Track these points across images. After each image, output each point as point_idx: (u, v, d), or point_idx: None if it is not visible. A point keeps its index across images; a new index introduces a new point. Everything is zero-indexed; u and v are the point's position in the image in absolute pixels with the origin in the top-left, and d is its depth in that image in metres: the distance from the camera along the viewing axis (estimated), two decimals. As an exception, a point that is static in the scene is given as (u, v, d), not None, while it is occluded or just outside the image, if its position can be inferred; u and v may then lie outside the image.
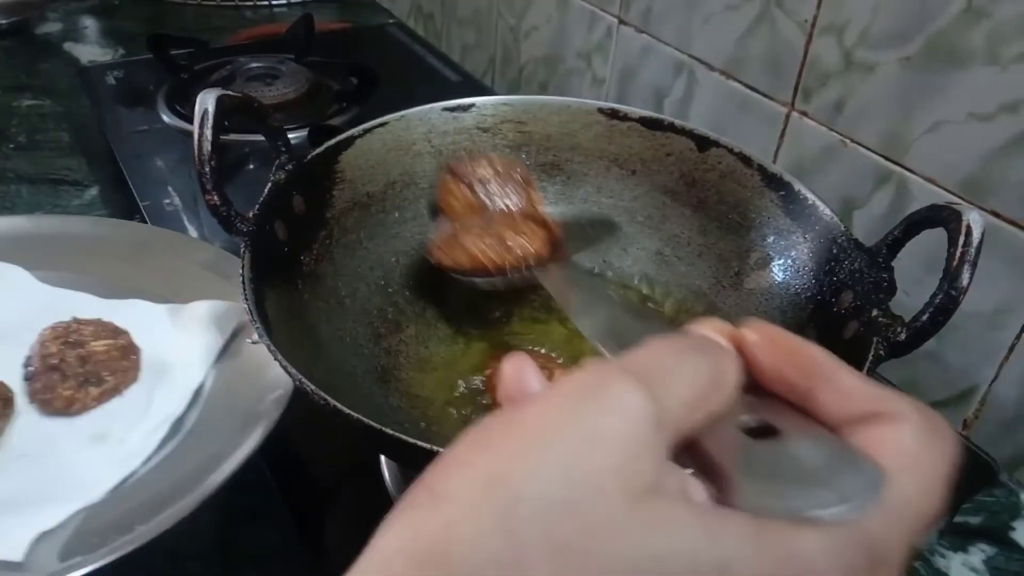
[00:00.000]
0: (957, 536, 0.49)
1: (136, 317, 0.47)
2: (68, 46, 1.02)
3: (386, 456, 0.42)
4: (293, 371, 0.31)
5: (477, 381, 0.43)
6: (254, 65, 0.77)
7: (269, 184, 0.41)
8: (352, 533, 0.43)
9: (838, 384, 0.19)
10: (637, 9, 0.73)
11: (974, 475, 0.49)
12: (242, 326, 0.47)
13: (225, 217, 0.37)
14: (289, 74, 0.77)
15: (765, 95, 0.63)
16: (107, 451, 0.41)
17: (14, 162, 0.78)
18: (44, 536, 0.36)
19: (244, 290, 0.35)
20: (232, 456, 0.39)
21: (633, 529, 0.15)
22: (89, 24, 1.09)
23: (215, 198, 0.37)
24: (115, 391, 0.44)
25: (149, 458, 0.41)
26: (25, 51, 1.00)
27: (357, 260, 0.45)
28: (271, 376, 0.42)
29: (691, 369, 0.18)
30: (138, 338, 0.46)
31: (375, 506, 0.43)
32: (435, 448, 0.28)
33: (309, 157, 0.44)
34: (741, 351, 0.20)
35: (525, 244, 0.40)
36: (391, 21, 1.05)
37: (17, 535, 0.35)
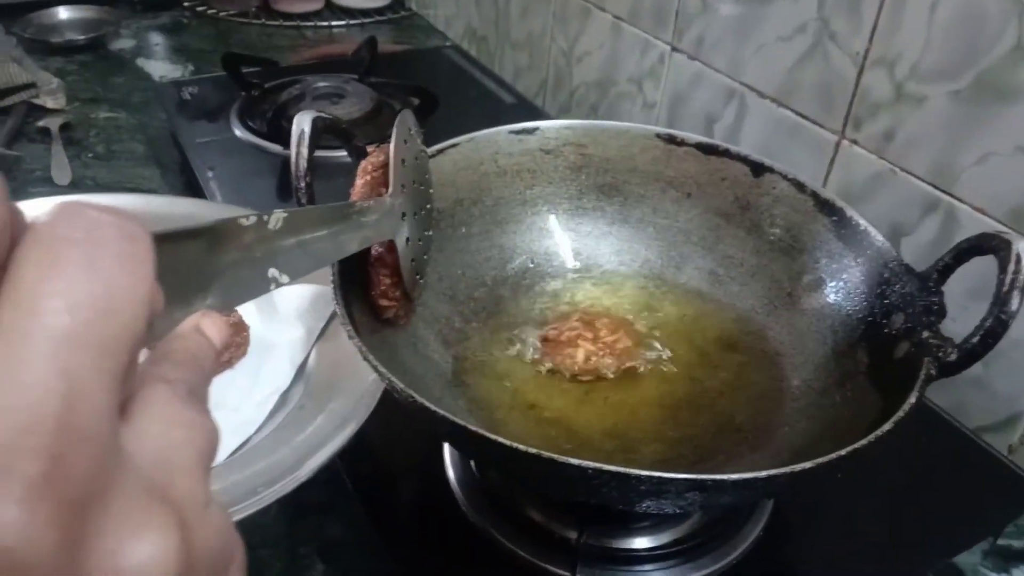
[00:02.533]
0: (1000, 558, 0.50)
1: None
2: (140, 62, 1.07)
3: (459, 448, 0.44)
4: (383, 370, 0.33)
5: (533, 388, 0.46)
6: (321, 84, 0.81)
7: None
8: (415, 527, 0.46)
9: None
10: (690, 38, 0.75)
11: (1018, 498, 0.50)
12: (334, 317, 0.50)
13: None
14: (354, 93, 0.81)
15: (815, 123, 0.65)
16: (224, 418, 0.44)
17: (93, 171, 0.83)
18: None
19: (335, 295, 0.38)
20: (340, 433, 0.41)
21: None
22: (159, 41, 1.14)
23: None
24: (228, 364, 0.48)
25: (261, 427, 0.44)
26: (101, 65, 1.05)
27: (427, 271, 0.48)
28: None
29: None
30: (245, 317, 0.50)
31: (438, 502, 0.46)
32: (511, 443, 0.31)
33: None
34: None
35: None
36: (447, 44, 1.09)
37: None
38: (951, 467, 0.50)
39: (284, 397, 0.46)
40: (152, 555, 0.14)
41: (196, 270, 0.22)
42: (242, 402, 0.46)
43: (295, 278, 0.27)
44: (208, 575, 0.16)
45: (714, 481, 0.30)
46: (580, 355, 0.47)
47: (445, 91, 0.85)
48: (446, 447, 0.48)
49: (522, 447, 0.31)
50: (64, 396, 0.13)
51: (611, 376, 0.46)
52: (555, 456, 0.30)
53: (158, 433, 0.16)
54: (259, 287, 0.26)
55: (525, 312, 0.50)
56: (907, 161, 0.58)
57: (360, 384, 0.44)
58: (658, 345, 0.49)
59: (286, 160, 0.74)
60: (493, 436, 0.31)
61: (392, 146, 0.39)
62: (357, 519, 0.50)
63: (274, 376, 0.47)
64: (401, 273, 0.40)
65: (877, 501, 0.47)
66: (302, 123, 0.40)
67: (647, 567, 0.41)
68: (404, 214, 0.39)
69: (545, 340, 0.48)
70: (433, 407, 0.32)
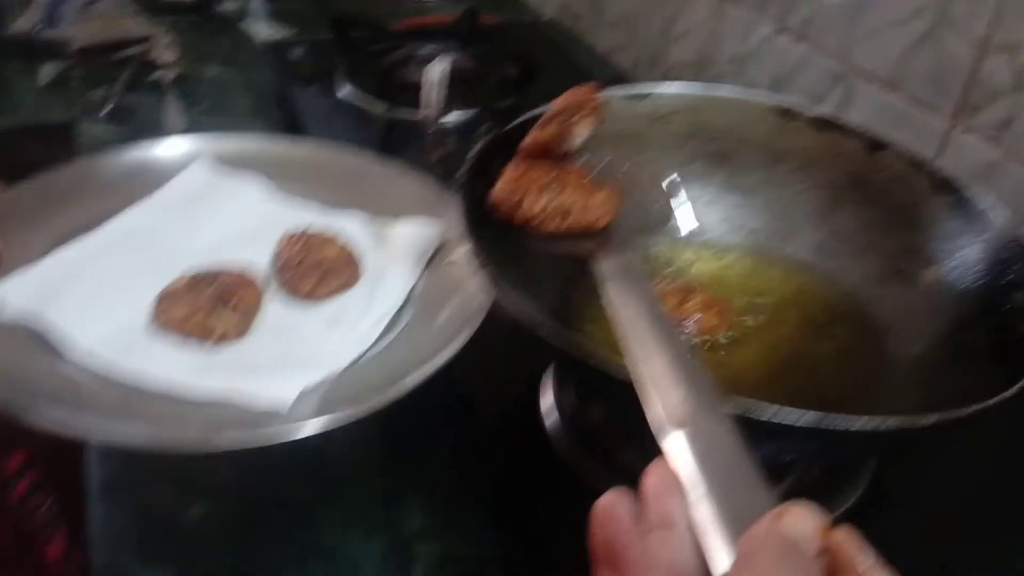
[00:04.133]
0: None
1: (355, 228, 0.55)
2: (244, 24, 1.11)
3: (577, 380, 0.46)
4: (513, 295, 0.35)
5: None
6: (424, 50, 0.83)
7: (479, 145, 0.46)
8: (508, 465, 0.48)
9: None
10: (796, 19, 0.75)
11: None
12: (443, 245, 0.54)
13: (445, 168, 0.42)
14: (456, 60, 0.82)
15: (925, 109, 0.64)
16: (342, 334, 0.48)
17: (203, 124, 0.87)
18: (304, 391, 0.43)
19: (466, 232, 0.40)
20: (445, 348, 0.45)
21: None
22: (262, 5, 1.18)
23: (439, 152, 0.42)
24: (345, 286, 0.51)
25: (375, 344, 0.48)
26: (208, 26, 1.10)
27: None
28: (473, 287, 0.48)
29: None
30: (359, 245, 0.54)
31: (532, 441, 0.47)
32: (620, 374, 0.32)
33: (507, 128, 0.48)
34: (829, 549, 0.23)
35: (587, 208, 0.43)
36: (543, 19, 1.10)
37: (285, 388, 0.42)
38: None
39: (395, 318, 0.50)
40: None
41: None
42: (358, 321, 0.49)
43: None
44: None
45: (838, 427, 0.31)
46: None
47: (541, 64, 0.86)
48: (543, 388, 0.49)
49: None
50: None
51: (721, 340, 0.47)
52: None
53: None
54: None
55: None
56: (1022, 150, 0.57)
57: (463, 308, 0.48)
58: (750, 319, 0.49)
59: (390, 121, 0.77)
60: (623, 363, 0.32)
61: None
62: (451, 456, 0.52)
63: (386, 299, 0.50)
64: None
65: (982, 487, 0.47)
66: (436, 69, 0.42)
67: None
68: None
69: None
70: (548, 321, 0.33)
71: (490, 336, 0.54)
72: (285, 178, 0.59)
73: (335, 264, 0.52)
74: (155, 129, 0.85)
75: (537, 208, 0.43)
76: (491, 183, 0.46)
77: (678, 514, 0.25)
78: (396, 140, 0.77)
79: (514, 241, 0.44)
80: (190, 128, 0.85)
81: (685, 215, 0.54)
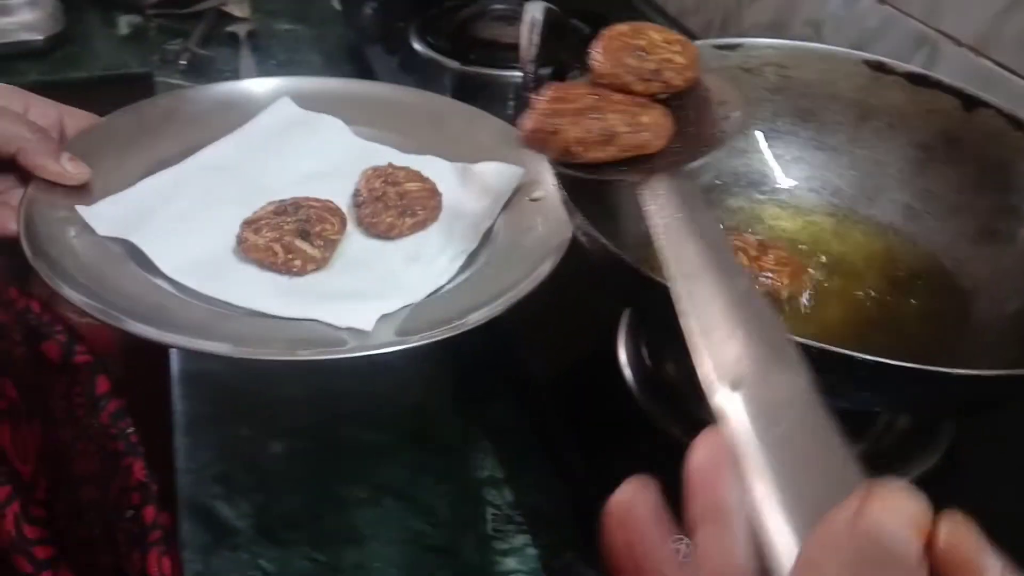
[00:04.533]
0: None
1: (433, 169, 0.55)
2: (314, -20, 1.12)
3: (645, 324, 0.45)
4: (594, 231, 0.35)
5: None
6: (498, 6, 0.83)
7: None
8: (584, 418, 0.48)
9: None
10: (882, -20, 0.73)
11: None
12: (523, 185, 0.53)
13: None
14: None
15: (1017, 74, 0.62)
16: (420, 268, 0.49)
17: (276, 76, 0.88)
18: (382, 318, 0.43)
19: (554, 174, 0.40)
20: (523, 282, 0.45)
21: None
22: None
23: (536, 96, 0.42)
24: (424, 224, 0.52)
25: (452, 279, 0.48)
26: (278, -19, 1.11)
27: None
28: (552, 225, 0.49)
29: None
30: (439, 184, 0.54)
31: (607, 392, 0.48)
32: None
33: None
34: (929, 547, 0.17)
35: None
36: (612, -20, 1.09)
37: (365, 312, 0.43)
38: None
39: (472, 257, 0.50)
40: None
41: None
42: (435, 257, 0.50)
43: None
44: None
45: (942, 374, 0.31)
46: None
47: (613, 21, 0.86)
48: (619, 338, 0.49)
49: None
50: None
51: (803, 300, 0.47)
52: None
53: None
54: None
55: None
56: None
57: (541, 245, 0.48)
58: (832, 279, 0.48)
59: (463, 75, 0.77)
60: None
61: None
62: (524, 404, 0.53)
63: (464, 238, 0.51)
64: None
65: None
66: (533, 11, 0.42)
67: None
68: None
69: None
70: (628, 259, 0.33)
71: (568, 283, 0.54)
72: (365, 121, 0.60)
73: (415, 200, 0.52)
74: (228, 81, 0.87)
75: (575, 134, 0.37)
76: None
77: (731, 503, 0.20)
78: (469, 95, 0.77)
79: (601, 186, 0.44)
80: (264, 80, 0.86)
81: (769, 171, 0.53)
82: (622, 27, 0.40)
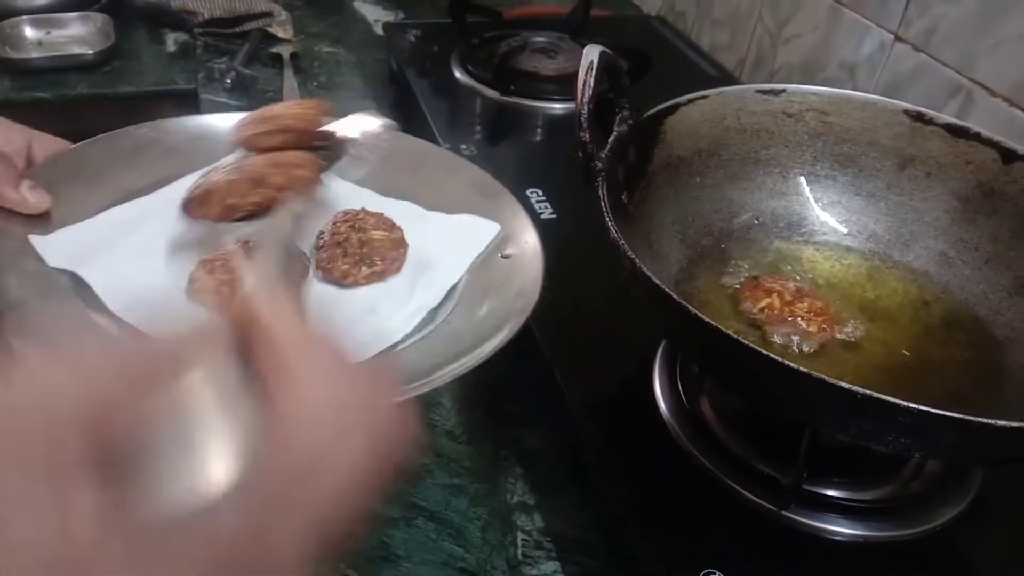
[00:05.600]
0: None
1: (407, 217, 0.53)
2: (356, 4, 1.15)
3: (694, 353, 0.45)
4: (629, 252, 0.37)
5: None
6: (538, 39, 0.85)
7: (615, 134, 0.47)
8: (623, 450, 0.49)
9: None
10: (919, 28, 0.74)
11: None
12: (497, 241, 0.52)
13: (589, 153, 0.44)
14: (568, 50, 0.84)
15: (1052, 125, 0.63)
16: (375, 323, 0.47)
17: (316, 97, 0.91)
18: None
19: (606, 212, 0.41)
20: (484, 345, 0.43)
21: None
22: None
23: (587, 136, 0.43)
24: (382, 275, 0.50)
25: (407, 337, 0.46)
26: (320, 5, 1.14)
27: (664, 212, 0.51)
28: (518, 286, 0.47)
29: None
30: (407, 235, 0.52)
31: (642, 425, 0.49)
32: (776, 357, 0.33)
33: (644, 116, 0.50)
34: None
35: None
36: (651, 15, 1.11)
37: None
38: None
39: (433, 314, 0.48)
40: None
41: None
42: (393, 312, 0.48)
43: None
44: None
45: (981, 424, 0.31)
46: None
47: (652, 57, 0.87)
48: (655, 374, 0.50)
49: (796, 366, 0.33)
50: None
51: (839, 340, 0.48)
52: (825, 377, 0.33)
53: None
54: None
55: (746, 265, 0.52)
56: None
57: (509, 304, 0.46)
58: (866, 324, 0.49)
59: (502, 105, 0.79)
60: (771, 355, 0.33)
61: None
62: (558, 432, 0.54)
63: (426, 294, 0.49)
64: None
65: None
66: (591, 55, 0.44)
67: (851, 517, 0.43)
68: None
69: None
70: (680, 300, 0.35)
71: (605, 313, 0.55)
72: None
73: (376, 250, 0.50)
74: (272, 102, 0.89)
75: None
76: (627, 167, 0.47)
77: None
78: (507, 125, 0.79)
79: (647, 228, 0.45)
80: (307, 101, 0.88)
81: (808, 213, 0.54)
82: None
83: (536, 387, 0.55)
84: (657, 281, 0.37)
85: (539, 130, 0.79)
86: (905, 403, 0.32)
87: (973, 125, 0.70)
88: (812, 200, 0.54)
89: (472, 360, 0.42)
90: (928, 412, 0.32)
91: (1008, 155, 0.50)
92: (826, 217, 0.54)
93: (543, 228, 0.51)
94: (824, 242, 0.54)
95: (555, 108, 0.79)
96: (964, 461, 0.44)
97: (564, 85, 0.81)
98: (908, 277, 0.52)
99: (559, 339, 0.53)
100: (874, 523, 0.43)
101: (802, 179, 0.54)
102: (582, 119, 0.43)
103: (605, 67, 0.47)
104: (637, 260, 0.38)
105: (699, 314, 0.35)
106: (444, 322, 0.47)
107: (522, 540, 0.49)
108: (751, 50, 0.96)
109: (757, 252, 0.53)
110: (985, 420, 0.31)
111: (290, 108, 0.53)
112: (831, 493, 0.44)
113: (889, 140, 0.53)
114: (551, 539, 0.49)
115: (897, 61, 0.77)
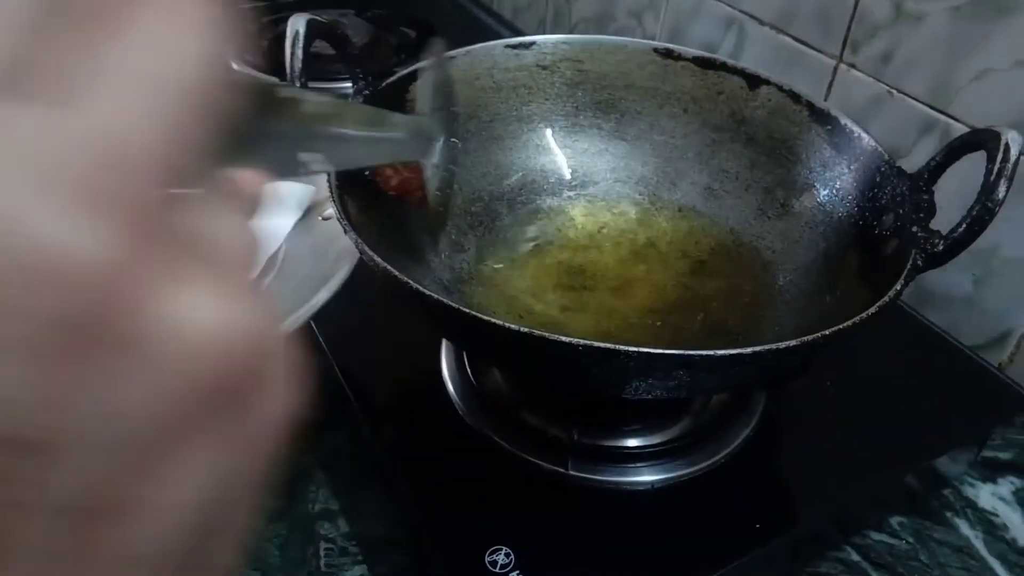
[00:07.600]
0: (987, 468, 0.51)
1: None
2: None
3: (455, 338, 0.44)
4: (383, 264, 0.34)
5: (529, 296, 0.47)
6: (318, 19, 0.81)
7: (348, 105, 0.44)
8: (413, 431, 0.47)
9: None
10: (689, -33, 0.75)
11: (1005, 408, 0.51)
12: (314, 204, 0.51)
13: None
14: (352, 27, 0.80)
15: (814, 48, 0.64)
16: None
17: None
18: None
19: (331, 191, 0.38)
20: (302, 309, 0.42)
21: None
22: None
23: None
24: None
25: None
26: None
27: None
28: (338, 247, 0.46)
29: None
30: None
31: (436, 407, 0.47)
32: (507, 324, 0.31)
33: (384, 84, 0.47)
34: None
35: None
36: (445, -17, 1.08)
37: None
38: (942, 378, 0.51)
39: (256, 283, 0.47)
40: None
41: (238, 124, 0.18)
42: None
43: (321, 170, 0.25)
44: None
45: (702, 357, 0.31)
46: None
47: (444, 27, 0.85)
48: (443, 357, 0.48)
49: (515, 327, 0.31)
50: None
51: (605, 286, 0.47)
52: (546, 334, 0.31)
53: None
54: (288, 167, 0.24)
55: (521, 227, 0.51)
56: (904, 83, 0.58)
57: (324, 272, 0.45)
58: (639, 266, 0.49)
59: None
60: (492, 319, 0.32)
61: (429, 66, 0.39)
62: (355, 430, 0.51)
63: None
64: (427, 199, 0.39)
65: (866, 408, 0.48)
66: (296, 24, 0.40)
67: (638, 464, 0.42)
68: (434, 139, 0.37)
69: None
70: (429, 292, 0.32)
71: (389, 302, 0.53)
72: None
73: None
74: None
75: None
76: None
77: None
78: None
79: (389, 206, 0.42)
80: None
81: (576, 166, 0.53)
82: None
83: (327, 388, 0.52)
84: (390, 268, 0.35)
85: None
86: (625, 347, 0.31)
87: (749, 56, 0.71)
88: (579, 151, 0.53)
89: (293, 322, 0.41)
90: (648, 353, 0.31)
91: (753, 80, 0.50)
92: (595, 166, 0.53)
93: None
94: (596, 192, 0.53)
95: (341, 88, 0.75)
96: (707, 392, 0.44)
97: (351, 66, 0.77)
98: (677, 216, 0.51)
99: (338, 331, 0.50)
100: (663, 466, 0.43)
101: (567, 131, 0.53)
102: (293, 81, 0.40)
103: (326, 37, 0.43)
104: (378, 258, 0.35)
105: (421, 288, 0.33)
106: (267, 289, 0.46)
107: (325, 550, 0.47)
108: (549, 10, 0.95)
109: (531, 212, 0.52)
110: (704, 352, 0.31)
111: None
112: (628, 443, 0.43)
113: (644, 81, 0.52)
114: (356, 543, 0.47)
115: (677, 2, 0.77)
